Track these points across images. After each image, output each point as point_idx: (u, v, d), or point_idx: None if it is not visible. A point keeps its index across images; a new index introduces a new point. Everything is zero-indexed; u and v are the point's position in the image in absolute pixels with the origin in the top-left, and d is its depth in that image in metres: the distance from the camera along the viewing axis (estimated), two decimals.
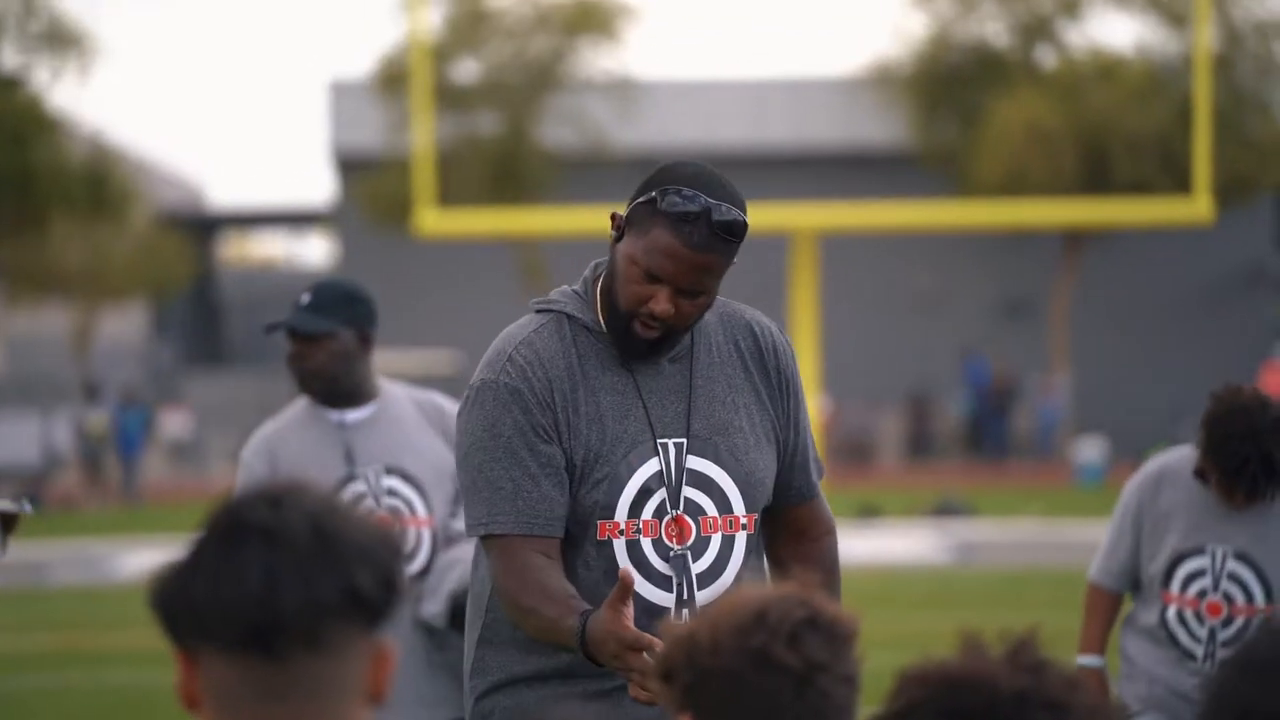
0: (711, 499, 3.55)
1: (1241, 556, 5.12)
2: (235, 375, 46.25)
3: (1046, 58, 37.94)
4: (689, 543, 3.53)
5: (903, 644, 13.15)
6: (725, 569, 3.55)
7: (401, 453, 5.15)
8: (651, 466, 3.52)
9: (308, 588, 1.77)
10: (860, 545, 18.38)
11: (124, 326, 50.29)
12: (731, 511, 3.56)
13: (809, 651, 2.19)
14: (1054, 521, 21.94)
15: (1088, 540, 15.37)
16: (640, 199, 3.49)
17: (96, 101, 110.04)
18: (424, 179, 19.86)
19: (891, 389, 39.04)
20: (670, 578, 3.51)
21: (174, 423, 38.66)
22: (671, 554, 3.52)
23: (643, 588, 3.48)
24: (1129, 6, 36.83)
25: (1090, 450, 30.65)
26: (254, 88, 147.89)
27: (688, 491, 3.53)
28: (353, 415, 5.18)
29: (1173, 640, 5.18)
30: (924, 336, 41.21)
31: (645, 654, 3.20)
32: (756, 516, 3.59)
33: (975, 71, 37.53)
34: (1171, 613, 5.17)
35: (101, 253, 38.19)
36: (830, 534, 3.74)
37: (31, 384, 38.46)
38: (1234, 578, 5.12)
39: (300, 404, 5.25)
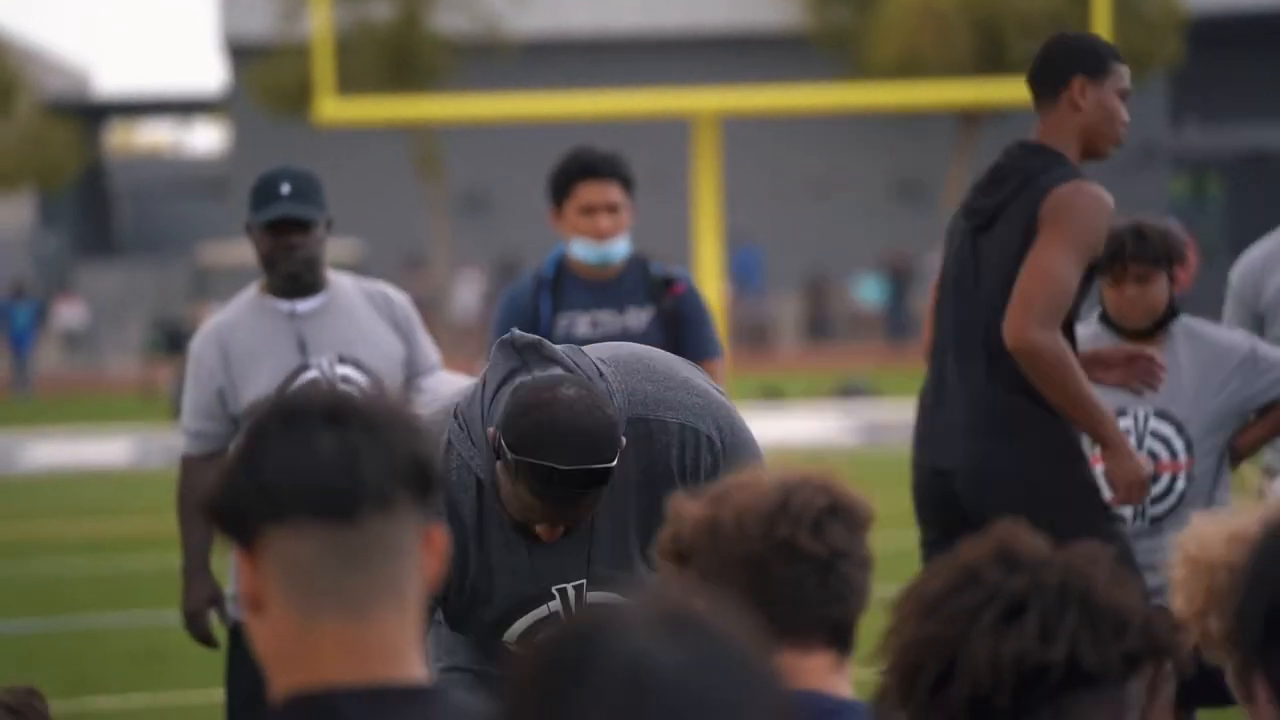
0: None
1: (1161, 414, 5.26)
2: (127, 265, 45.83)
3: None
4: None
5: None
6: None
7: (354, 342, 5.15)
8: (548, 609, 3.60)
9: (384, 453, 1.84)
10: (765, 427, 18.43)
11: (10, 217, 49.67)
12: None
13: (831, 539, 2.21)
14: None
15: None
16: (503, 442, 3.38)
17: None
18: (323, 66, 19.67)
19: (788, 272, 39.18)
20: None
21: (67, 313, 38.30)
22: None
23: None
24: None
25: None
26: None
27: None
28: (304, 305, 5.16)
29: None
30: (820, 220, 41.33)
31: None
32: None
33: None
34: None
35: None
36: None
37: None
38: (1156, 435, 5.26)
39: (249, 294, 5.22)
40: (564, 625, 1.54)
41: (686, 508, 2.24)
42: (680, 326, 5.73)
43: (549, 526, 3.44)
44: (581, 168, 5.67)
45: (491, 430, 3.40)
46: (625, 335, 5.57)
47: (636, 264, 5.84)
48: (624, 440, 3.41)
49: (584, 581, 3.57)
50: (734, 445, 3.57)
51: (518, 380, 3.40)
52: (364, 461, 1.83)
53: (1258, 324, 5.71)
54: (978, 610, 1.77)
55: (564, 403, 3.32)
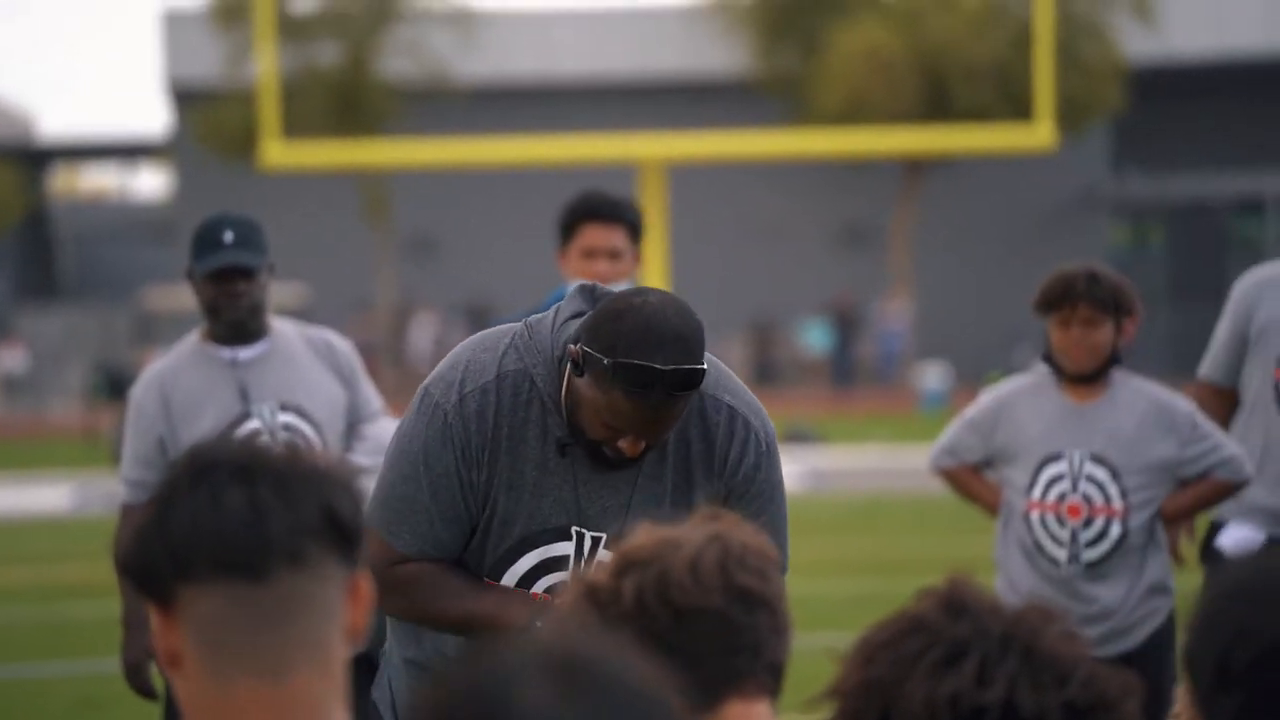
0: None
1: (1097, 459, 5.33)
2: (69, 309, 45.60)
3: None
4: None
5: None
6: None
7: (295, 389, 5.11)
8: (557, 549, 3.47)
9: (290, 508, 1.82)
10: None
11: None
12: None
13: (776, 582, 2.18)
14: (901, 447, 22.19)
15: None
16: (592, 350, 3.33)
17: None
18: (268, 110, 19.64)
19: (733, 317, 39.23)
20: None
21: (8, 358, 38.08)
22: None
23: None
24: None
25: (933, 376, 30.99)
26: (85, 16, 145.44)
27: None
28: (245, 352, 5.12)
29: (1039, 547, 5.35)
30: (767, 265, 41.41)
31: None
32: None
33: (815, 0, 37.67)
34: (1036, 517, 5.35)
35: None
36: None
37: None
38: (1091, 479, 5.32)
39: (190, 341, 5.18)
40: (461, 679, 1.51)
41: (617, 563, 2.18)
42: None
43: (633, 440, 3.33)
44: (587, 210, 5.58)
45: (574, 346, 3.34)
46: None
47: None
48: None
49: (604, 536, 3.44)
50: (772, 456, 3.52)
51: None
52: (271, 517, 1.81)
53: (1242, 343, 5.73)
54: (919, 655, 1.77)
55: (655, 307, 3.29)
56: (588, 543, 3.46)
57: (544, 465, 3.43)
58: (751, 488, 3.49)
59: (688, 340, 3.29)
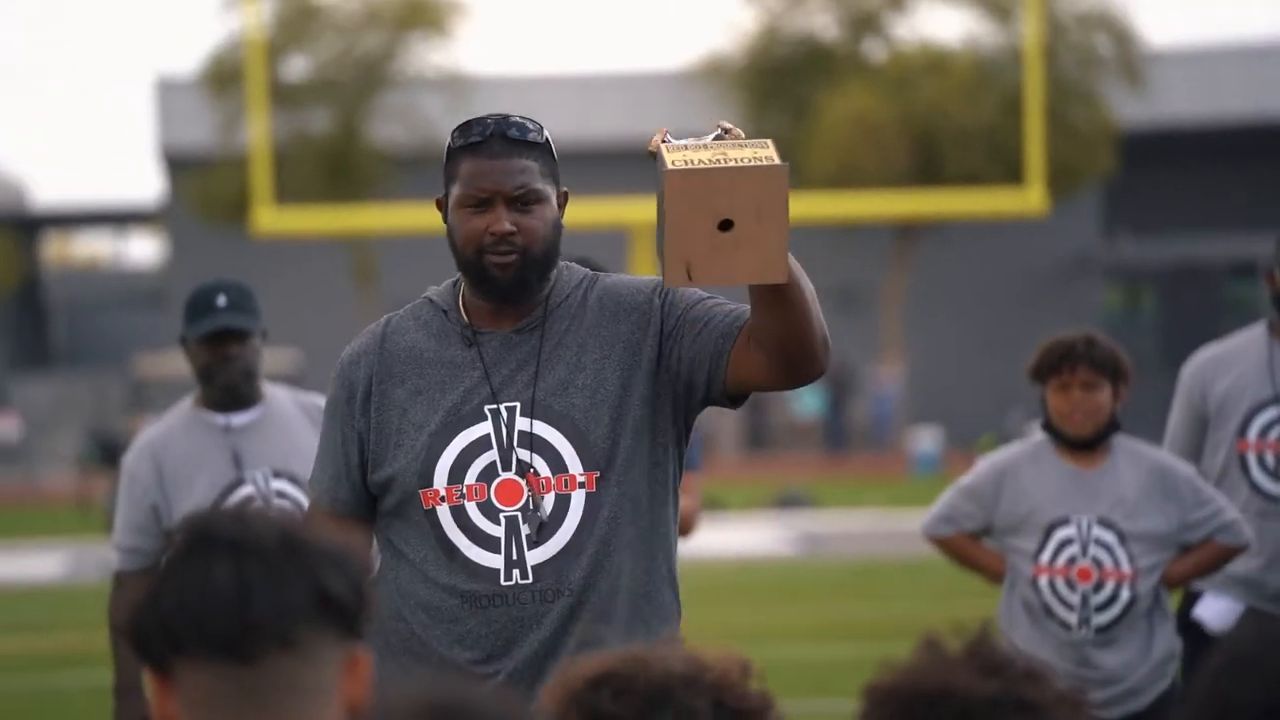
0: (545, 459, 3.55)
1: (1105, 522, 5.34)
2: (62, 376, 45.56)
3: (875, 51, 38.31)
4: (519, 504, 3.54)
5: (757, 637, 13.25)
6: (559, 528, 3.54)
7: (289, 455, 5.11)
8: (477, 431, 3.56)
9: (278, 591, 1.80)
10: (706, 539, 18.45)
11: None
12: (566, 470, 3.55)
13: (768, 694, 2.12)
14: (894, 511, 22.17)
15: None
16: (445, 168, 3.64)
17: None
18: (260, 177, 19.70)
19: None
20: (499, 539, 3.53)
21: (1, 426, 38.05)
22: (501, 515, 3.54)
23: (469, 550, 3.53)
24: (955, 0, 37.29)
25: (925, 440, 31.00)
26: (77, 84, 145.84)
27: (520, 453, 3.55)
28: (238, 419, 5.12)
29: (1048, 611, 5.33)
30: None
31: None
32: (599, 474, 3.56)
33: (805, 65, 37.82)
34: (1044, 582, 5.34)
35: None
36: None
37: None
38: (1100, 543, 5.33)
39: (182, 408, 5.18)
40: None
41: (589, 676, 2.03)
42: None
43: (497, 212, 3.53)
44: None
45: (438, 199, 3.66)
46: None
47: None
48: (549, 141, 3.61)
49: (517, 405, 3.56)
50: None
51: None
52: (259, 600, 1.80)
53: (1201, 425, 5.77)
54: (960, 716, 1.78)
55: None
56: (503, 415, 3.56)
57: (450, 363, 3.60)
58: (671, 296, 3.62)
59: (518, 116, 3.61)
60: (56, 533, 23.45)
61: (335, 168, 36.18)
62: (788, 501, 23.73)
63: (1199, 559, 5.37)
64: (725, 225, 3.32)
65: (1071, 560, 5.33)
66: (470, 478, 3.55)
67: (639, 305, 3.61)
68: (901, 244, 37.96)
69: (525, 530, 3.54)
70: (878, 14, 37.77)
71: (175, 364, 30.26)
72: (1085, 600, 5.31)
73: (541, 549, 3.53)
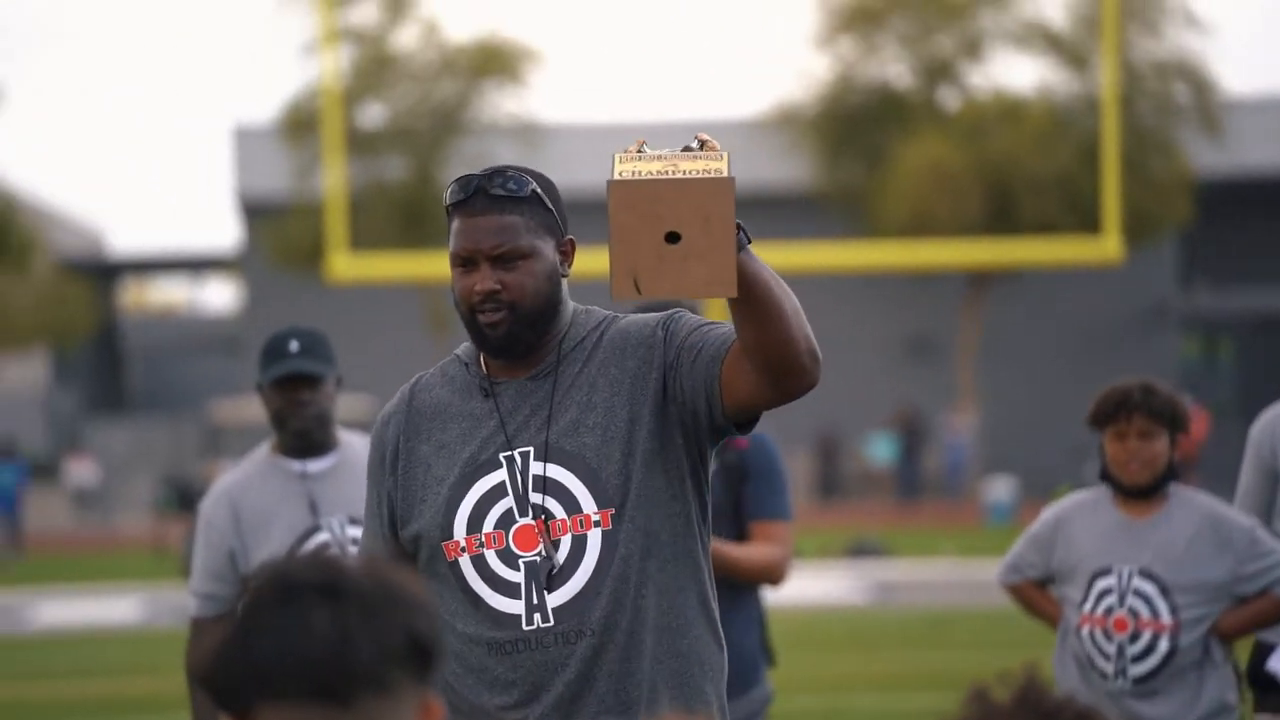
0: (559, 501, 3.57)
1: (1146, 573, 5.32)
2: (139, 422, 45.87)
3: (949, 99, 38.25)
4: (537, 549, 3.56)
5: (828, 687, 13.19)
6: (576, 569, 3.56)
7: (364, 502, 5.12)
8: (493, 479, 3.59)
9: (378, 635, 1.83)
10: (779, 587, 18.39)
11: (25, 375, 49.81)
12: (580, 510, 3.57)
13: None
14: (968, 561, 22.05)
15: None
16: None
17: None
18: (335, 224, 19.80)
19: (799, 430, 39.16)
20: (519, 585, 3.55)
21: (78, 471, 38.28)
22: (520, 560, 3.56)
23: (491, 599, 3.56)
24: (1030, 49, 37.22)
25: (999, 489, 30.83)
26: (156, 132, 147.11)
27: (534, 497, 3.57)
28: (315, 465, 5.14)
29: (1089, 661, 5.36)
30: (831, 377, 41.35)
31: None
32: (614, 511, 3.57)
33: (879, 113, 37.79)
34: (1085, 632, 5.37)
35: (2, 301, 37.84)
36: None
37: None
38: (1139, 593, 5.31)
39: (260, 454, 5.21)
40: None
41: None
42: (743, 482, 5.52)
43: (483, 272, 3.57)
44: None
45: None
46: None
47: None
48: (537, 188, 3.62)
49: (530, 449, 3.59)
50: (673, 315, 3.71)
51: None
52: (359, 644, 1.82)
53: (1273, 481, 5.73)
54: None
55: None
56: (517, 461, 3.57)
57: (470, 415, 3.64)
58: (672, 326, 3.64)
59: (515, 169, 3.63)
60: (132, 577, 23.57)
61: (410, 215, 36.34)
62: (860, 550, 23.64)
63: (1257, 610, 5.33)
64: (673, 237, 3.28)
65: (1109, 610, 5.33)
66: (488, 525, 3.58)
67: (645, 339, 3.63)
68: (975, 292, 37.83)
69: (544, 571, 3.57)
70: (952, 62, 37.74)
71: (250, 410, 30.42)
72: (1121, 651, 5.31)
73: (561, 591, 3.55)
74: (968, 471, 36.62)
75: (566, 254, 3.65)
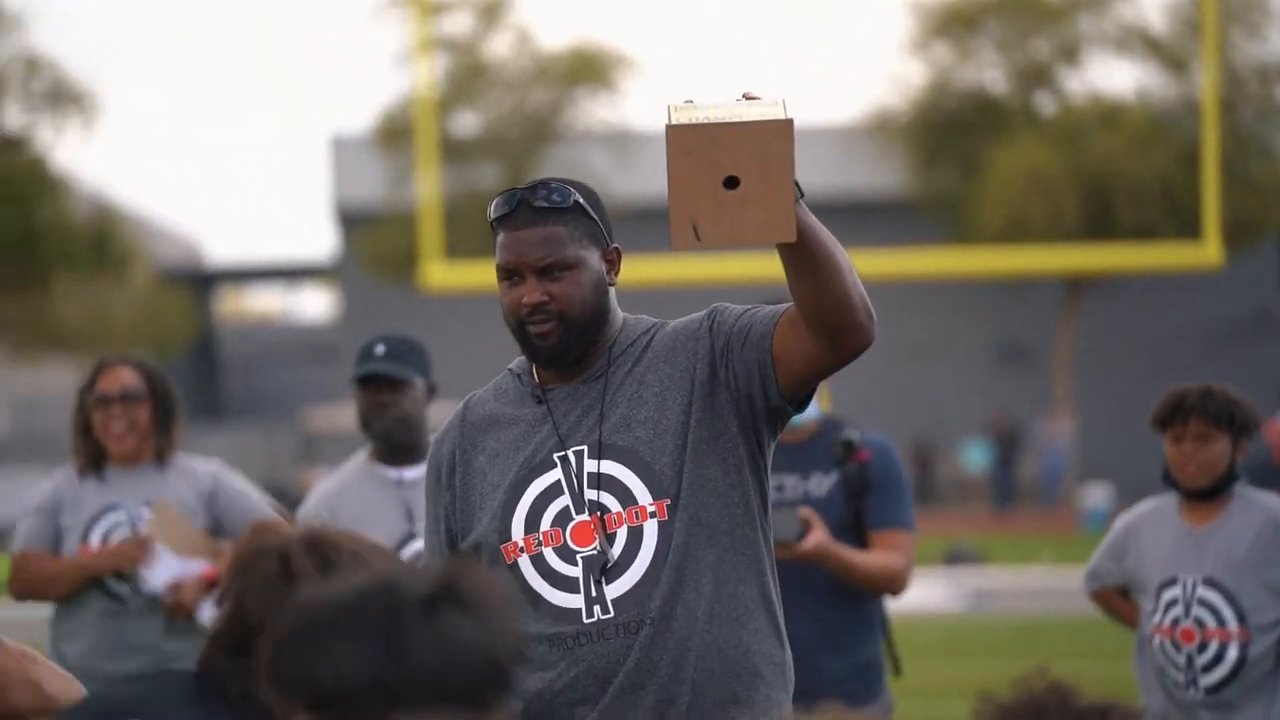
0: (614, 495, 3.61)
1: (1210, 582, 5.27)
2: (235, 430, 46.21)
3: (1046, 105, 38.02)
4: (594, 544, 3.58)
5: (923, 694, 13.11)
6: (633, 561, 3.59)
7: None
8: (548, 479, 3.64)
9: (507, 638, 1.88)
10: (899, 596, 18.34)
11: None
12: (636, 502, 3.60)
13: None
14: (1065, 568, 21.90)
15: None
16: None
17: (97, 159, 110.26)
18: (430, 232, 19.89)
19: (895, 437, 39.03)
20: (577, 579, 3.58)
21: None
22: (578, 556, 3.59)
23: (552, 596, 3.60)
24: (1128, 53, 36.94)
25: (1096, 496, 30.61)
26: (252, 143, 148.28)
27: (590, 494, 3.61)
28: (410, 473, 5.17)
29: (1162, 672, 5.33)
30: (926, 384, 41.21)
31: None
32: (669, 501, 3.60)
33: (974, 119, 37.60)
34: (1157, 643, 5.35)
35: (103, 310, 38.23)
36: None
37: (36, 442, 38.39)
38: (1204, 603, 5.26)
39: (356, 461, 5.23)
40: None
41: None
42: (864, 494, 5.50)
43: (533, 282, 3.60)
44: None
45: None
46: (807, 501, 5.43)
47: (829, 428, 5.60)
48: (581, 202, 3.63)
49: (584, 448, 3.61)
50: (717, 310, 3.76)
51: None
52: (498, 649, 1.87)
53: None
54: None
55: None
56: (571, 460, 3.62)
57: (524, 421, 3.70)
58: (718, 316, 3.66)
59: (555, 180, 3.66)
60: None
61: None
62: (956, 558, 23.53)
63: None
64: (732, 183, 3.22)
65: (1175, 622, 5.30)
66: (545, 524, 3.63)
67: (692, 333, 3.67)
68: (1071, 299, 37.58)
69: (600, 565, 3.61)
70: (1049, 67, 37.50)
71: (345, 417, 30.57)
72: (1190, 661, 5.27)
73: (619, 582, 3.58)
74: (1064, 479, 36.38)
75: (612, 263, 3.68)
